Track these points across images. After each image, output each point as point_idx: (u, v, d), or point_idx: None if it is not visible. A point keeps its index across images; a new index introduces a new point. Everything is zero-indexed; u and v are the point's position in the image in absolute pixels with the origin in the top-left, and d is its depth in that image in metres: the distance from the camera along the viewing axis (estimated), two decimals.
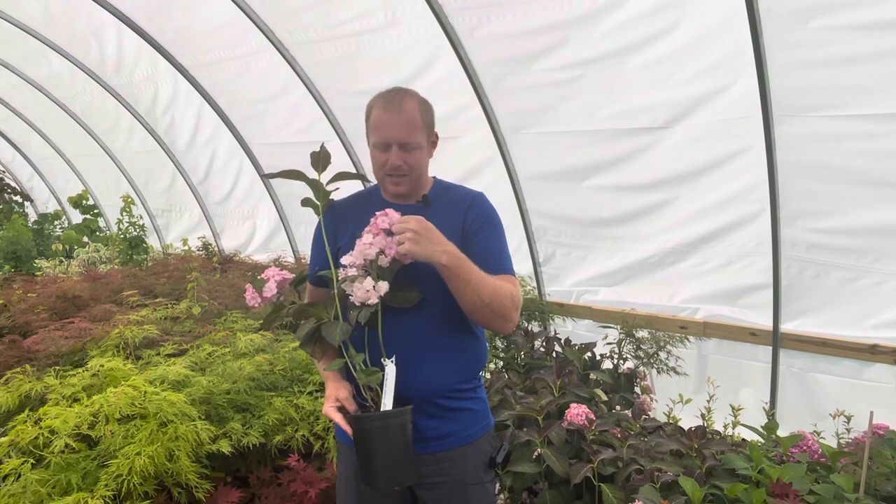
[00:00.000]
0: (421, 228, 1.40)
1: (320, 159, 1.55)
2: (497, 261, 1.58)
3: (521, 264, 4.11)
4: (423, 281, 1.50)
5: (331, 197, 1.62)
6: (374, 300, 1.43)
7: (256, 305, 1.57)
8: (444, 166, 4.21)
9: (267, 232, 6.29)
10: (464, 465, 1.59)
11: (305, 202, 1.62)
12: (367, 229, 1.49)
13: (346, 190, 1.75)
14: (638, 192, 3.48)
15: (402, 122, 1.53)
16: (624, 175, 3.48)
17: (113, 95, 6.08)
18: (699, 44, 2.88)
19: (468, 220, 1.59)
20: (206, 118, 5.64)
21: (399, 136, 1.52)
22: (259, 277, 1.57)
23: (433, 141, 1.64)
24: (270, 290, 1.54)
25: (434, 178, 1.70)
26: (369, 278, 1.44)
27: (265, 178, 1.52)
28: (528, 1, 3.16)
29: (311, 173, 1.57)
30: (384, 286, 1.44)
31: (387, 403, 1.43)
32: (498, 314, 1.49)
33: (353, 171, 4.72)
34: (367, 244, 1.45)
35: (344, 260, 1.49)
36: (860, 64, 2.52)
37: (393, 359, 1.47)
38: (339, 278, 1.49)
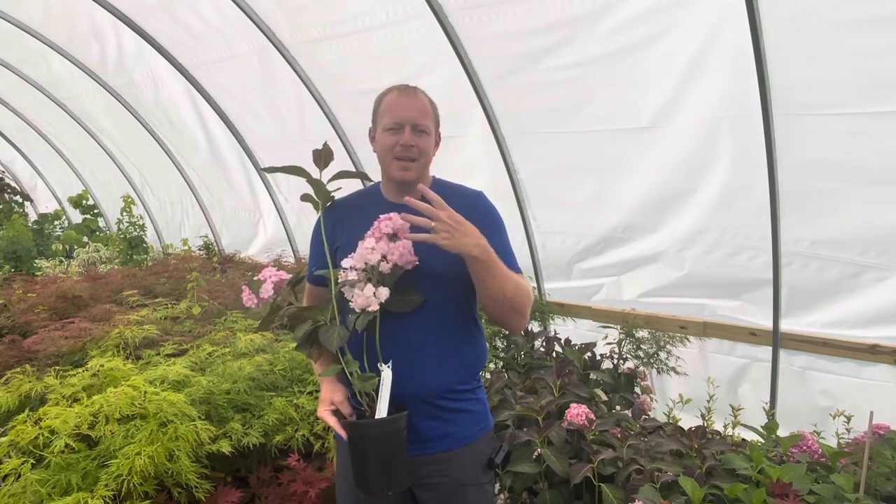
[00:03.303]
0: (454, 222, 1.38)
1: (322, 157, 1.54)
2: (507, 262, 1.58)
3: (521, 264, 4.10)
4: (421, 284, 1.50)
5: (333, 194, 1.61)
6: (374, 307, 1.41)
7: (253, 306, 1.55)
8: (445, 166, 4.22)
9: (267, 232, 6.29)
10: (462, 467, 1.58)
11: (304, 198, 1.60)
12: (369, 233, 1.46)
13: (345, 189, 1.75)
14: (638, 192, 3.48)
15: (415, 105, 1.56)
16: (625, 174, 3.48)
17: (113, 95, 6.09)
18: (699, 43, 2.88)
19: (473, 220, 1.57)
20: (206, 118, 5.64)
21: (413, 117, 1.55)
22: (255, 278, 1.54)
23: (437, 140, 1.65)
24: (267, 290, 1.51)
25: (433, 176, 1.70)
26: (370, 285, 1.41)
27: (265, 171, 1.51)
28: (526, 1, 3.16)
29: (313, 172, 1.56)
30: (385, 292, 1.41)
31: (382, 409, 1.42)
32: (517, 310, 1.51)
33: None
34: (370, 248, 1.42)
35: (345, 263, 1.47)
36: (860, 62, 2.52)
37: (389, 364, 1.46)
38: (339, 281, 1.47)
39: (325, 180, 1.58)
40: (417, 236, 1.39)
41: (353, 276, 1.44)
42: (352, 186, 1.70)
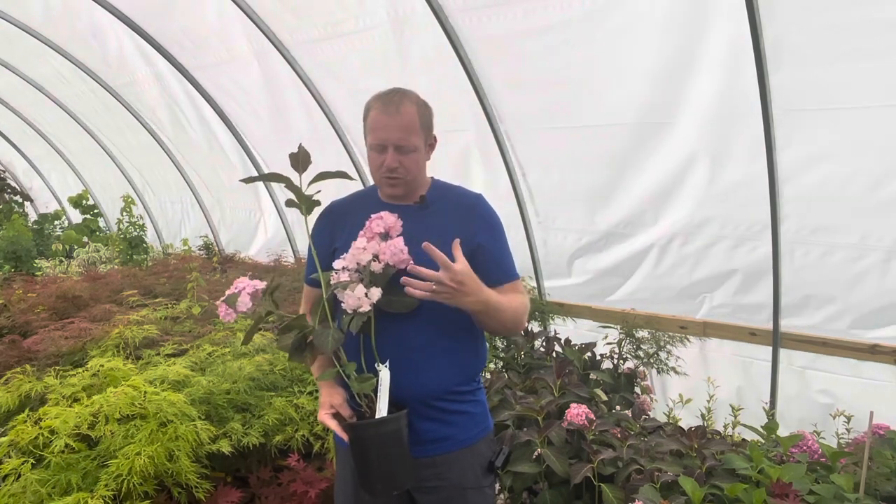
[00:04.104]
0: (455, 284, 1.36)
1: (300, 160, 1.50)
2: (505, 268, 1.61)
3: (521, 264, 4.10)
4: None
5: (315, 198, 1.59)
6: (366, 308, 1.39)
7: (231, 321, 1.47)
8: (444, 164, 4.23)
9: (267, 232, 6.29)
10: (462, 470, 1.57)
11: (289, 203, 1.57)
12: (361, 233, 1.46)
13: (345, 189, 1.75)
14: (640, 187, 3.48)
15: (399, 124, 1.50)
16: (626, 169, 3.48)
17: (113, 95, 6.09)
18: (700, 41, 2.88)
19: (475, 224, 1.58)
20: (207, 118, 5.64)
21: (395, 138, 1.50)
22: (230, 292, 1.44)
23: (431, 143, 1.62)
24: (245, 304, 1.42)
25: (432, 178, 1.69)
26: (360, 285, 1.40)
27: (246, 182, 1.50)
28: (529, 0, 3.16)
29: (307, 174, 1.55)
30: (376, 293, 1.39)
31: (381, 409, 1.41)
32: (514, 330, 1.59)
33: (355, 172, 4.71)
34: (361, 248, 1.41)
35: (336, 264, 1.46)
36: (858, 60, 2.52)
37: (387, 364, 1.45)
38: (332, 283, 1.45)
39: (306, 183, 1.55)
40: (418, 293, 1.38)
41: (345, 277, 1.43)
42: (350, 186, 1.70)
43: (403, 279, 1.37)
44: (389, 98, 1.53)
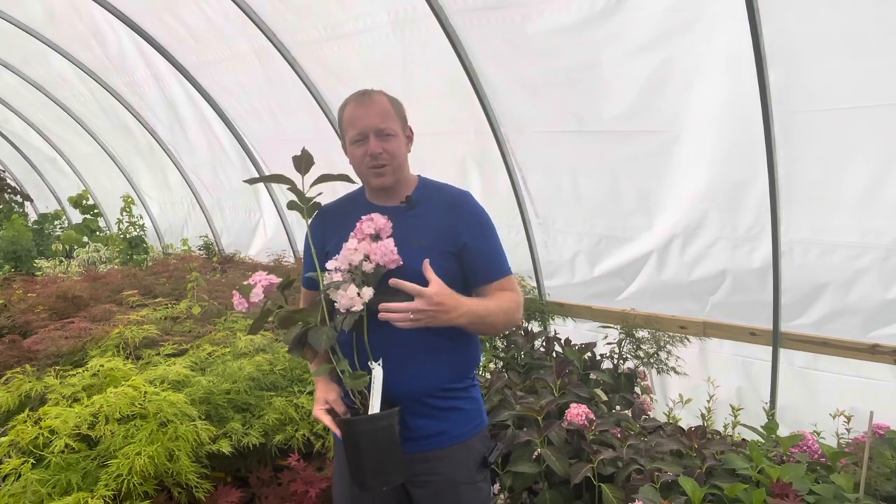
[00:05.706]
0: (433, 307, 1.40)
1: (303, 162, 1.55)
2: (496, 264, 1.61)
3: (521, 265, 4.11)
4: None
5: (315, 200, 1.61)
6: (358, 307, 1.42)
7: (244, 310, 1.57)
8: (444, 164, 4.23)
9: (267, 233, 6.29)
10: (455, 464, 1.59)
11: (291, 205, 1.61)
12: (352, 234, 1.49)
13: (339, 191, 1.76)
14: (639, 189, 3.48)
15: (374, 111, 1.56)
16: (625, 171, 3.48)
17: (113, 95, 6.09)
18: (701, 47, 2.88)
19: (460, 223, 1.58)
20: (207, 118, 5.64)
21: (374, 123, 1.55)
22: (245, 283, 1.55)
23: (409, 135, 1.65)
24: (258, 295, 1.52)
25: (418, 176, 1.70)
26: (353, 285, 1.43)
27: (248, 182, 1.52)
28: (527, 4, 3.16)
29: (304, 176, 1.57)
30: (368, 292, 1.43)
31: (374, 406, 1.44)
32: (507, 328, 1.64)
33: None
34: (352, 249, 1.45)
35: (329, 265, 1.49)
36: (854, 61, 2.52)
37: (380, 361, 1.48)
38: (325, 283, 1.49)
39: (308, 184, 1.58)
40: (400, 325, 1.41)
41: (337, 277, 1.46)
42: (345, 188, 1.71)
43: (381, 315, 1.41)
44: (360, 94, 1.61)
